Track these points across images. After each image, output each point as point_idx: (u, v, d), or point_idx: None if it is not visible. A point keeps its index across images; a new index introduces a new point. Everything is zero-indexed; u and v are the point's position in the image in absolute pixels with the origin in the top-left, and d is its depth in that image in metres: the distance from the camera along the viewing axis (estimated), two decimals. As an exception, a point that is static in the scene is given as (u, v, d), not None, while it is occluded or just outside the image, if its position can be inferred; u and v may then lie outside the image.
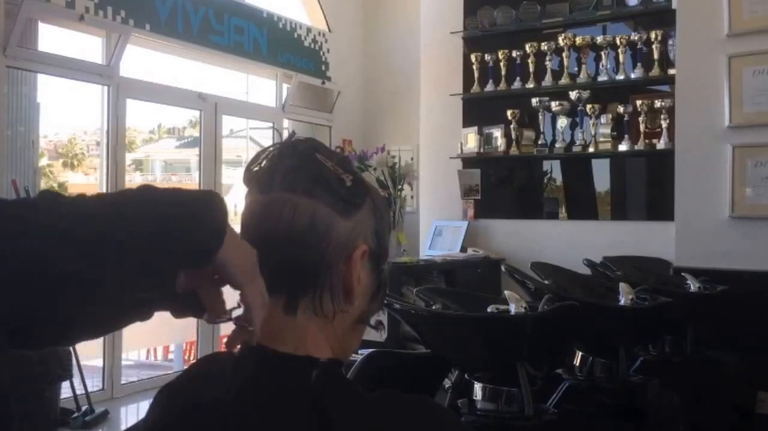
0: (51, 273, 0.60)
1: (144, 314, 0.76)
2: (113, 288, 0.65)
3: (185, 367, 0.85)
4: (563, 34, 4.33)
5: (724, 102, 3.49)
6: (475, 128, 4.60)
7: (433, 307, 2.06)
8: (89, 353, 4.10)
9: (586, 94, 4.22)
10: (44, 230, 0.61)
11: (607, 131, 4.19)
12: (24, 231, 0.60)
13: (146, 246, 0.64)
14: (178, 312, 0.76)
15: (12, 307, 0.61)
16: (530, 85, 4.43)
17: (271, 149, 0.83)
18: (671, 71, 3.92)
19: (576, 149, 4.27)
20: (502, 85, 4.52)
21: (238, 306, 0.74)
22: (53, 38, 4.07)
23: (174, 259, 0.67)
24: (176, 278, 0.70)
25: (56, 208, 0.63)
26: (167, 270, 0.68)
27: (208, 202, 0.68)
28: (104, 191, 4.10)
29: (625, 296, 2.32)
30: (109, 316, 0.74)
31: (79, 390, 3.55)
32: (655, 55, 4.04)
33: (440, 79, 4.80)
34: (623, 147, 4.11)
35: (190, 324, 4.40)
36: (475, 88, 4.61)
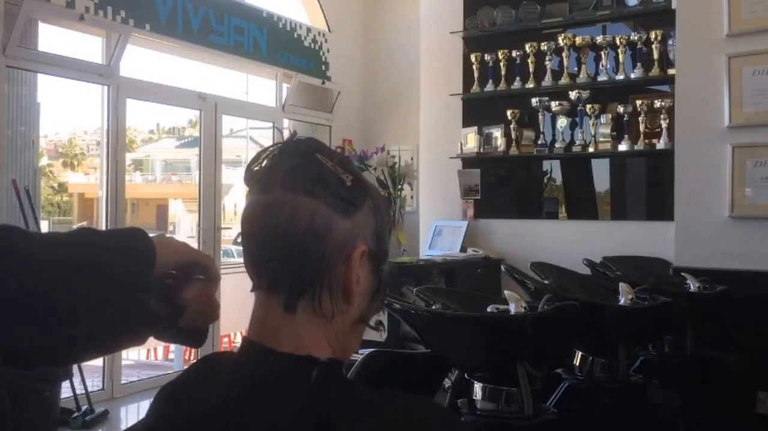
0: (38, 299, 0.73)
1: (137, 340, 0.90)
2: (84, 313, 0.78)
3: (185, 367, 0.86)
4: (563, 34, 4.33)
5: (724, 102, 3.49)
6: (475, 128, 4.60)
7: (433, 307, 2.06)
8: (89, 353, 4.09)
9: (585, 94, 4.22)
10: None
11: (607, 130, 4.19)
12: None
13: (101, 276, 0.79)
14: (174, 341, 0.93)
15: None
16: (530, 85, 4.43)
17: (272, 148, 0.83)
18: (671, 71, 3.92)
19: (576, 149, 4.27)
20: (502, 85, 4.52)
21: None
22: (53, 38, 4.07)
23: (126, 269, 0.81)
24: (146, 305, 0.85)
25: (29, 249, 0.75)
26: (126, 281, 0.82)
27: (134, 230, 0.86)
28: (104, 190, 4.11)
29: (625, 296, 2.32)
30: (103, 341, 0.88)
31: (79, 390, 3.55)
32: (655, 55, 4.04)
33: (440, 79, 4.80)
34: (623, 147, 4.11)
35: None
36: (475, 88, 4.62)
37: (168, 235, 0.90)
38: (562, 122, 4.33)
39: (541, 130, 4.39)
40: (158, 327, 0.89)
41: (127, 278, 0.81)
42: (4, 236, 0.74)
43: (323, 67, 5.56)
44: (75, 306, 0.75)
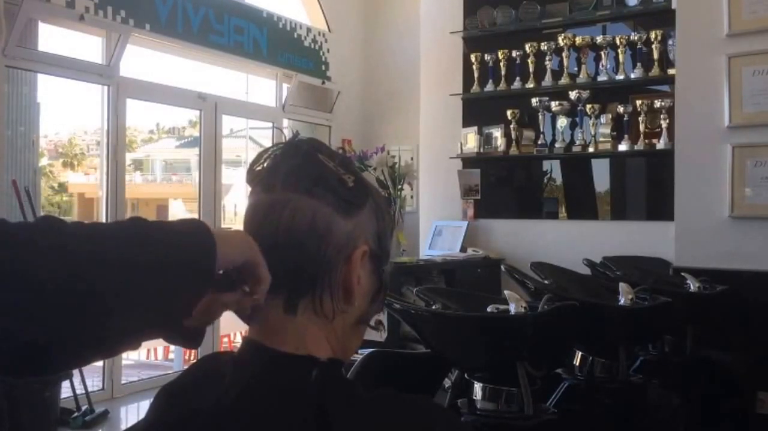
0: (73, 292, 0.65)
1: (135, 344, 0.80)
2: (124, 311, 0.69)
3: (185, 367, 0.86)
4: (563, 34, 4.33)
5: (724, 102, 3.50)
6: (475, 128, 4.60)
7: (433, 307, 2.06)
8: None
9: (585, 94, 4.22)
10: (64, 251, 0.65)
11: (607, 130, 4.20)
12: (44, 253, 0.64)
13: (152, 272, 0.69)
14: (172, 340, 0.81)
15: (38, 325, 0.65)
16: (530, 85, 4.43)
17: (274, 148, 0.83)
18: (671, 71, 3.92)
19: (576, 149, 4.27)
20: (502, 85, 4.52)
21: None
22: (53, 38, 4.07)
23: (178, 283, 0.72)
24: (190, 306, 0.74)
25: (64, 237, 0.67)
26: (174, 295, 0.72)
27: (194, 232, 0.74)
28: (104, 190, 4.11)
29: (625, 296, 2.32)
30: (103, 343, 0.78)
31: (79, 390, 3.55)
32: (655, 55, 4.04)
33: (440, 79, 4.80)
34: (623, 147, 4.12)
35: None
36: (475, 88, 4.62)
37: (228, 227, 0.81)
38: (562, 122, 4.33)
39: (541, 130, 4.39)
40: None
41: (179, 281, 0.72)
42: (50, 224, 0.68)
43: (323, 67, 5.56)
44: (115, 304, 0.68)
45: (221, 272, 0.76)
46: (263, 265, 0.77)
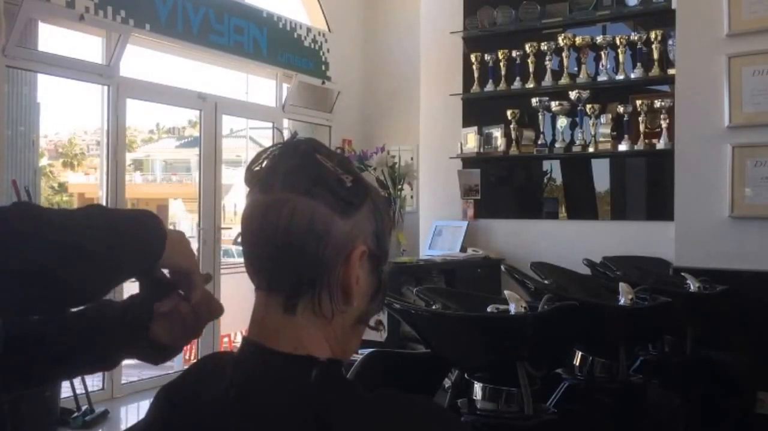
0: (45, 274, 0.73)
1: (109, 364, 0.95)
2: (93, 288, 0.79)
3: (185, 367, 0.86)
4: (563, 34, 4.33)
5: (724, 102, 3.49)
6: (475, 128, 4.60)
7: (433, 307, 2.06)
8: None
9: (585, 94, 4.22)
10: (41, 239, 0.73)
11: (607, 130, 4.20)
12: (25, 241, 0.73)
13: (112, 250, 0.79)
14: (146, 359, 0.93)
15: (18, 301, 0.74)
16: (530, 85, 4.43)
17: (272, 148, 0.83)
18: (671, 71, 3.92)
19: (576, 149, 4.27)
20: (502, 85, 4.52)
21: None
22: (53, 38, 4.07)
23: (132, 260, 0.82)
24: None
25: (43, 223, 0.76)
26: (126, 269, 0.83)
27: (149, 217, 0.85)
28: (104, 190, 4.11)
29: (625, 296, 2.32)
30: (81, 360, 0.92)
31: (79, 390, 3.55)
32: (655, 55, 4.04)
33: (440, 79, 4.80)
34: (623, 147, 4.11)
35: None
36: (475, 88, 4.62)
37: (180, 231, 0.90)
38: (562, 122, 4.33)
39: (541, 130, 4.39)
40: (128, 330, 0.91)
41: (127, 266, 0.82)
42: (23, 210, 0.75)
43: (323, 67, 5.56)
44: (68, 288, 0.76)
45: (155, 279, 0.88)
46: (198, 273, 0.89)
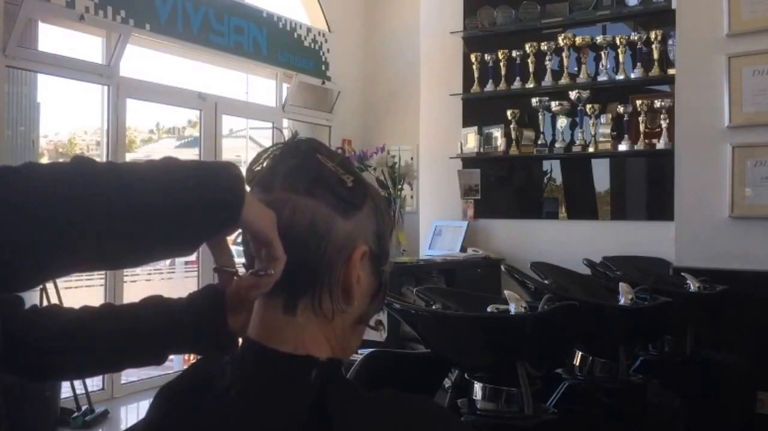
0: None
1: (160, 357, 0.91)
2: (145, 245, 0.69)
3: (185, 367, 0.86)
4: (563, 34, 4.33)
5: (724, 102, 3.49)
6: (475, 128, 4.60)
7: (433, 307, 2.06)
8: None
9: (585, 94, 4.22)
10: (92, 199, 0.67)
11: (607, 130, 4.19)
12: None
13: (179, 205, 0.69)
14: (200, 351, 0.89)
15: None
16: (530, 85, 4.43)
17: (273, 148, 0.83)
18: (671, 71, 3.92)
19: (576, 149, 4.27)
20: (502, 85, 4.52)
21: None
22: (53, 38, 4.07)
23: (203, 218, 0.71)
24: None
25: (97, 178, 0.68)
26: (196, 231, 0.72)
27: (228, 168, 0.73)
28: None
29: (625, 296, 2.32)
30: (122, 354, 0.89)
31: (79, 390, 3.55)
32: (655, 55, 4.04)
33: (440, 79, 4.80)
34: (623, 147, 4.11)
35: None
36: (475, 88, 4.62)
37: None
38: (562, 122, 4.33)
39: (541, 130, 4.39)
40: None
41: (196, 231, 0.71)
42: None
43: (323, 67, 5.56)
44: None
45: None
46: (279, 244, 0.76)
